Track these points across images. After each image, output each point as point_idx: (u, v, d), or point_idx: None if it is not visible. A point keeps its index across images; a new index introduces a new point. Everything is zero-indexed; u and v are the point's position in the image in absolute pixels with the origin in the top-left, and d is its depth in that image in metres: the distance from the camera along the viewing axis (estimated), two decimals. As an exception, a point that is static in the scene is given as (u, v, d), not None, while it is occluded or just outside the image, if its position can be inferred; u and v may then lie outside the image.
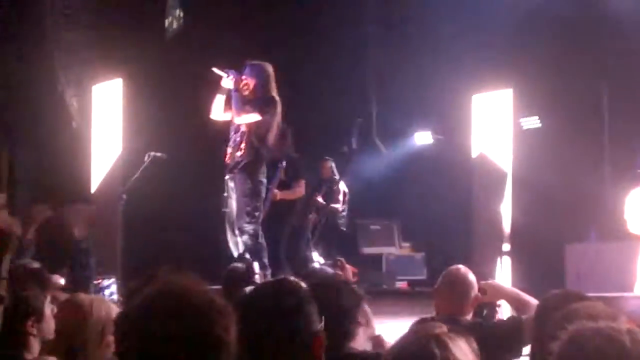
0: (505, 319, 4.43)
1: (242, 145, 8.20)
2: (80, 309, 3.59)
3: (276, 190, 9.14)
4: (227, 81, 8.15)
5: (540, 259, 9.15)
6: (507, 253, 9.41)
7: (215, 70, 8.18)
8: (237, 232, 8.24)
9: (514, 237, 9.46)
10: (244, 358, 2.46)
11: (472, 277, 4.48)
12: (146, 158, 9.13)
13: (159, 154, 9.14)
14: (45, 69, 10.50)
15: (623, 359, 1.73)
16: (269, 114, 8.22)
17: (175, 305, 1.79)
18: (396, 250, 11.66)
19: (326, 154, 11.17)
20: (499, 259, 9.34)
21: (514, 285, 9.07)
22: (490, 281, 4.49)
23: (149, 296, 1.86)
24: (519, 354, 4.14)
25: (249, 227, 8.17)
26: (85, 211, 8.30)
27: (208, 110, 8.38)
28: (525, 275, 8.96)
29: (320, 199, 10.95)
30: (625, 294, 7.62)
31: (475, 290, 4.43)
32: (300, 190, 9.37)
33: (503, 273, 9.17)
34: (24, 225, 7.28)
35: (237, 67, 8.36)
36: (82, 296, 3.84)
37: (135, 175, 9.07)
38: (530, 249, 9.37)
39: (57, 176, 10.08)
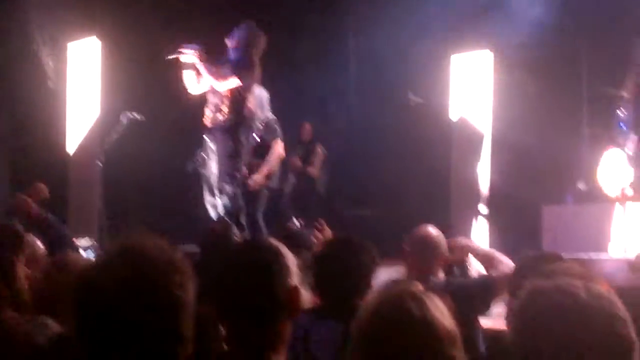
0: (474, 276, 4.46)
1: (224, 108, 8.21)
2: (65, 268, 3.57)
3: (259, 175, 9.06)
4: (188, 57, 8.17)
5: (517, 221, 9.20)
6: (484, 215, 9.45)
7: (169, 57, 8.19)
8: (216, 193, 8.25)
9: (492, 199, 9.51)
10: (222, 316, 2.50)
11: (440, 236, 4.51)
12: (123, 119, 9.07)
13: (136, 115, 9.08)
14: (19, 27, 10.37)
15: (579, 313, 1.74)
16: (248, 77, 8.23)
17: (132, 264, 1.77)
18: (373, 212, 11.69)
19: (305, 118, 11.15)
20: (475, 220, 9.38)
21: (491, 246, 9.15)
22: (459, 239, 4.51)
23: (106, 255, 1.85)
24: (487, 310, 4.19)
25: (229, 188, 8.20)
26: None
27: (184, 89, 8.37)
28: (502, 236, 9.00)
29: (297, 161, 10.94)
30: (600, 256, 7.68)
31: (444, 249, 4.47)
32: (278, 151, 9.34)
33: (480, 235, 9.22)
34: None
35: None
36: (68, 255, 3.83)
37: (113, 137, 9.02)
38: (507, 210, 9.42)
39: (33, 137, 9.99)
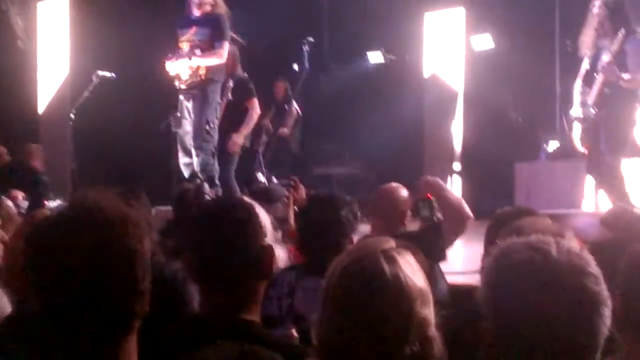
0: (427, 226, 4.48)
1: (202, 71, 8.18)
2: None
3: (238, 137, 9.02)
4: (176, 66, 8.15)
5: (491, 178, 9.24)
6: (457, 172, 9.49)
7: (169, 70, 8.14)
8: (193, 151, 8.22)
9: (465, 157, 9.54)
10: (195, 274, 2.48)
11: (404, 192, 4.57)
12: (94, 78, 8.98)
13: (107, 74, 8.99)
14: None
15: (550, 269, 1.73)
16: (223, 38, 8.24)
17: (87, 218, 1.73)
18: (347, 170, 11.70)
19: (278, 75, 11.09)
20: (449, 178, 9.42)
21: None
22: (427, 178, 4.53)
23: (61, 210, 1.82)
24: (444, 258, 4.23)
25: (205, 146, 8.18)
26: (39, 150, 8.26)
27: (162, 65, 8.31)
28: (476, 193, 9.04)
29: (268, 121, 10.90)
30: (572, 211, 7.74)
31: (406, 207, 4.54)
32: (254, 111, 9.30)
33: (454, 191, 9.26)
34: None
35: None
36: (40, 212, 3.80)
37: (84, 96, 8.94)
38: (480, 167, 9.46)
39: (3, 97, 9.88)
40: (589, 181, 8.33)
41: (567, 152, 9.10)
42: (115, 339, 1.76)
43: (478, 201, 8.96)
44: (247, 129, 9.06)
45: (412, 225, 4.62)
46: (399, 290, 1.84)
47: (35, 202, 7.38)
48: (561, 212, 7.23)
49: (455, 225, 4.36)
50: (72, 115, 8.97)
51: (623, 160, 6.99)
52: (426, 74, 10.12)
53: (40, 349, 1.85)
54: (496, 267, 1.81)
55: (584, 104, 7.03)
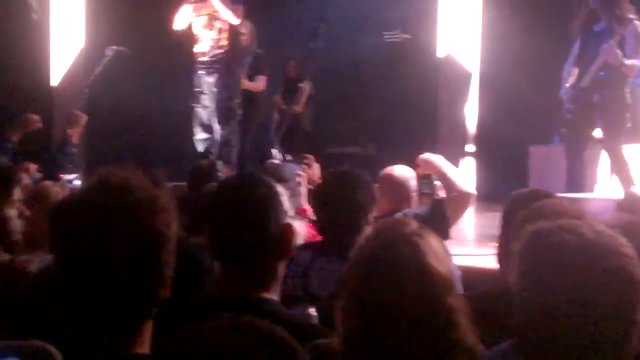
0: (429, 204, 4.44)
1: (223, 42, 8.14)
2: (47, 198, 3.55)
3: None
4: None
5: (504, 160, 9.20)
6: (471, 154, 9.46)
7: None
8: (214, 127, 8.19)
9: (479, 138, 9.50)
10: (215, 252, 2.46)
11: (408, 173, 4.53)
12: (108, 52, 8.96)
13: (121, 48, 8.97)
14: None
15: (587, 251, 1.72)
16: (240, 9, 8.22)
17: (115, 199, 1.70)
18: (360, 149, 11.67)
19: (291, 54, 11.05)
20: (462, 159, 9.39)
21: (478, 185, 9.17)
22: (424, 155, 4.48)
23: (87, 189, 1.78)
24: (448, 236, 4.19)
25: (230, 121, 8.19)
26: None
27: (171, 22, 8.26)
28: (489, 176, 9.02)
29: (279, 99, 10.88)
30: (586, 195, 7.70)
31: (411, 188, 4.50)
32: (260, 84, 9.30)
33: (467, 173, 9.24)
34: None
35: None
36: (48, 184, 3.80)
37: (98, 70, 8.92)
38: (494, 150, 9.41)
39: (16, 70, 9.86)
40: (602, 165, 8.30)
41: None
42: (134, 325, 1.74)
43: (492, 183, 8.96)
44: (250, 86, 9.02)
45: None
46: (421, 278, 1.80)
47: (48, 174, 7.38)
48: (575, 196, 7.20)
49: (458, 202, 4.31)
50: (85, 90, 8.95)
51: (623, 145, 7.01)
52: (440, 54, 10.07)
53: (57, 328, 1.83)
54: (530, 252, 1.80)
55: (574, 86, 7.04)
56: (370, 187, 3.60)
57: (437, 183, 4.50)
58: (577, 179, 7.08)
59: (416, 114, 10.45)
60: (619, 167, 7.06)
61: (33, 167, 6.96)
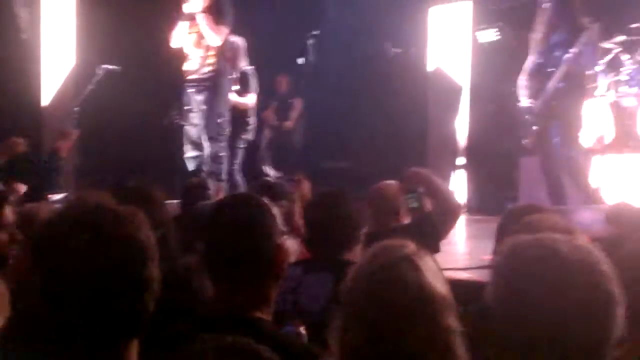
0: (418, 218, 4.46)
1: (210, 60, 8.18)
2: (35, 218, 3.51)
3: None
4: (192, 5, 8.09)
5: (495, 173, 9.22)
6: (462, 166, 9.47)
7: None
8: (203, 144, 8.21)
9: (470, 151, 9.52)
10: (207, 270, 2.47)
11: (395, 188, 4.55)
12: (99, 71, 8.97)
13: (112, 67, 8.98)
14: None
15: (561, 267, 1.71)
16: (226, 27, 8.24)
17: (94, 240, 1.69)
18: (351, 164, 11.68)
19: (282, 69, 11.07)
20: (454, 172, 9.41)
21: (469, 198, 9.19)
22: (412, 169, 4.49)
23: (67, 211, 1.79)
24: (437, 250, 4.19)
25: (218, 138, 8.20)
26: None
27: (165, 40, 8.30)
28: (480, 188, 9.04)
29: (271, 114, 10.89)
30: (578, 206, 7.72)
31: (400, 203, 4.52)
32: (249, 100, 9.32)
33: (458, 186, 9.25)
34: None
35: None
36: (36, 206, 3.76)
37: (88, 89, 8.92)
38: (485, 162, 9.43)
39: (6, 89, 9.85)
40: (595, 176, 8.33)
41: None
42: (118, 342, 1.74)
43: (482, 195, 8.99)
44: (238, 104, 9.02)
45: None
46: (423, 299, 1.83)
47: (35, 194, 7.36)
48: (566, 208, 7.21)
49: (446, 216, 4.33)
50: (76, 109, 8.95)
51: (580, 154, 7.03)
52: (430, 67, 10.10)
53: (40, 351, 1.83)
54: (506, 265, 1.79)
55: (534, 98, 7.06)
56: (359, 204, 3.62)
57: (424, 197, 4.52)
58: (557, 190, 7.06)
59: (407, 128, 10.47)
60: (576, 175, 7.06)
61: (22, 187, 6.93)
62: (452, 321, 1.85)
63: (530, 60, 7.27)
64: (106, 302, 1.69)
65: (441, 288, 1.86)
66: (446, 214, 4.30)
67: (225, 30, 8.21)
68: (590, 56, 6.88)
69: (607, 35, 8.97)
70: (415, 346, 1.80)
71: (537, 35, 7.23)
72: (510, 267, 1.78)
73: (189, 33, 8.29)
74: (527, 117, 7.18)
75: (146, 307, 1.74)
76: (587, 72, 6.86)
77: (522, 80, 7.25)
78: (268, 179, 9.60)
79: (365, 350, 1.81)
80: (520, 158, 9.05)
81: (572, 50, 6.79)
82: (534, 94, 7.04)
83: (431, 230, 4.18)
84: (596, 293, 1.70)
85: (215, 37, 8.16)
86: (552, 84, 6.91)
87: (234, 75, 8.99)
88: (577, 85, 6.85)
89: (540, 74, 7.01)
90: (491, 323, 1.76)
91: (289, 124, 11.00)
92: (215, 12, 8.18)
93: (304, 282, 3.37)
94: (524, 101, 7.14)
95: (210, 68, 8.21)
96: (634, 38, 8.78)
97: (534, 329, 1.69)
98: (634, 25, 8.76)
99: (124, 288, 1.70)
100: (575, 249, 1.75)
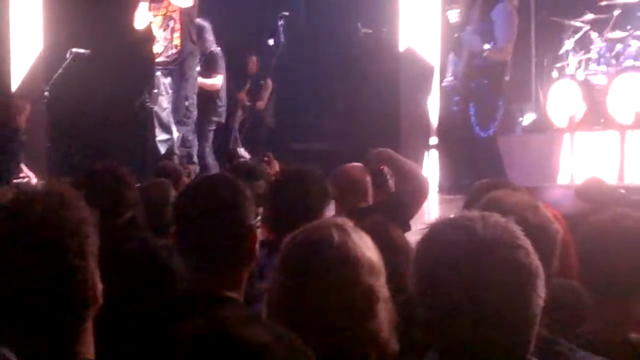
0: (386, 197, 4.46)
1: (176, 41, 8.14)
2: None
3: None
4: None
5: (467, 152, 9.25)
6: (434, 146, 9.51)
7: None
8: (172, 128, 8.19)
9: (441, 131, 9.55)
10: (181, 251, 2.48)
11: (361, 170, 4.55)
12: (68, 55, 8.90)
13: (81, 50, 8.91)
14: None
15: (477, 247, 1.70)
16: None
17: (23, 229, 1.71)
18: (323, 145, 11.69)
19: (253, 50, 11.04)
20: (427, 152, 9.44)
21: (441, 177, 9.23)
22: (375, 149, 4.46)
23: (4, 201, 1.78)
24: (408, 228, 4.20)
25: (185, 121, 8.18)
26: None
27: (132, 22, 8.25)
28: (452, 168, 9.07)
29: (243, 95, 10.87)
30: (549, 184, 7.79)
31: (366, 186, 4.52)
32: (217, 82, 9.29)
33: (431, 166, 9.28)
34: None
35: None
36: None
37: (58, 73, 8.86)
38: (457, 141, 9.46)
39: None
40: (565, 154, 8.40)
41: (542, 125, 9.16)
42: (67, 330, 1.74)
43: (455, 175, 9.02)
44: (203, 85, 8.98)
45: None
46: (345, 256, 1.87)
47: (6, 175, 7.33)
48: (537, 185, 7.28)
49: (414, 193, 4.31)
50: (46, 93, 8.89)
51: (496, 135, 6.81)
52: (402, 47, 10.11)
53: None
54: (423, 252, 1.78)
55: (455, 76, 6.84)
56: (324, 183, 3.57)
57: (388, 177, 4.53)
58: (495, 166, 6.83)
59: (379, 108, 10.48)
60: (489, 157, 6.89)
61: None
62: (378, 286, 1.87)
63: (455, 37, 7.08)
64: (31, 288, 1.70)
65: (369, 253, 1.90)
66: (414, 191, 4.29)
67: None
68: (502, 34, 6.54)
69: (577, 13, 9.03)
70: (336, 304, 1.83)
71: (460, 10, 7.03)
72: (426, 253, 1.77)
73: (155, 15, 8.25)
74: (453, 97, 7.01)
75: (77, 292, 1.74)
76: (500, 52, 6.47)
77: (450, 57, 7.04)
78: (243, 159, 9.60)
79: (287, 306, 1.86)
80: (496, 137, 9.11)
81: (468, 27, 6.55)
82: (456, 73, 6.83)
83: (400, 208, 4.17)
84: (514, 269, 1.69)
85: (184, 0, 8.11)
86: (461, 64, 6.72)
87: (200, 57, 8.97)
88: (494, 63, 6.59)
89: (461, 52, 6.82)
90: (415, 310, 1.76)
91: (260, 104, 10.99)
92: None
93: (268, 263, 3.27)
94: (446, 80, 6.94)
95: (175, 50, 8.17)
96: (603, 16, 8.84)
97: (457, 314, 1.68)
98: (603, 3, 8.82)
99: (46, 273, 1.71)
100: (491, 226, 1.74)
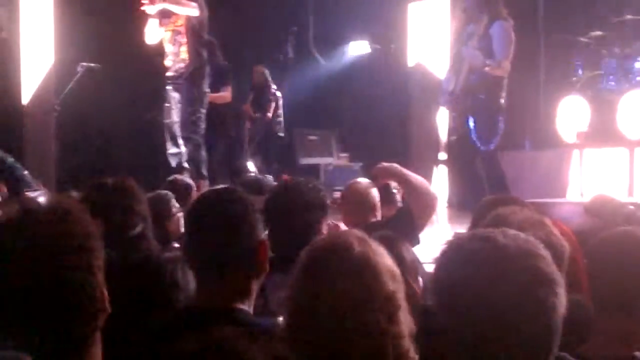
0: (396, 212, 4.47)
1: (183, 55, 8.18)
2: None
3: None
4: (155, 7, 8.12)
5: (468, 167, 9.25)
6: (443, 162, 9.50)
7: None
8: (180, 142, 8.21)
9: (451, 146, 9.54)
10: (191, 264, 2.49)
11: (370, 187, 4.57)
12: (79, 69, 8.95)
13: (92, 65, 8.96)
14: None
15: (499, 255, 1.72)
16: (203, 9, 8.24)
17: (27, 243, 1.73)
18: (334, 160, 11.70)
19: (261, 64, 11.08)
20: (436, 167, 9.44)
21: (450, 192, 9.23)
22: (381, 164, 4.45)
23: (11, 215, 1.79)
24: (418, 242, 4.19)
25: (194, 137, 8.19)
26: None
27: (142, 37, 8.30)
28: (461, 183, 9.06)
29: (248, 107, 10.88)
30: (558, 200, 7.78)
31: (374, 201, 4.55)
32: (224, 95, 9.33)
33: (440, 181, 9.28)
34: None
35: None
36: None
37: (69, 87, 8.91)
38: (466, 157, 9.46)
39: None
40: (574, 170, 8.39)
41: (551, 141, 9.15)
42: (76, 341, 1.76)
43: (464, 190, 9.01)
44: (214, 99, 9.01)
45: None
46: (366, 261, 1.88)
47: (15, 191, 7.35)
48: (546, 201, 7.27)
49: (423, 207, 4.26)
50: (56, 107, 8.93)
51: (497, 150, 6.81)
52: (411, 63, 10.14)
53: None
54: (445, 261, 1.79)
55: (451, 93, 6.84)
56: (321, 195, 3.49)
57: (396, 191, 4.54)
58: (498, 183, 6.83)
59: (388, 124, 10.50)
60: (492, 172, 6.88)
61: (1, 186, 6.92)
62: (398, 290, 1.87)
63: (451, 52, 7.08)
64: (40, 303, 1.71)
65: (390, 263, 1.91)
66: (422, 205, 4.27)
67: (193, 3, 8.20)
68: (501, 50, 6.55)
69: (586, 30, 9.04)
70: (354, 310, 1.82)
71: (454, 23, 7.03)
72: (449, 263, 1.78)
73: (165, 30, 8.30)
74: (451, 113, 7.01)
75: (86, 306, 1.76)
76: (500, 68, 6.49)
77: (447, 74, 7.06)
78: (252, 174, 9.61)
79: (307, 314, 1.85)
80: (500, 152, 9.11)
81: (470, 43, 6.57)
82: (454, 89, 6.83)
83: (409, 223, 4.16)
84: (536, 276, 1.70)
85: (189, 9, 8.15)
86: (461, 79, 6.72)
87: (208, 71, 9.00)
88: (491, 79, 6.60)
89: (458, 67, 6.82)
90: (435, 321, 1.76)
91: (268, 115, 11.00)
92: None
93: (269, 283, 3.09)
94: (446, 96, 6.93)
95: (183, 64, 8.21)
96: (612, 33, 8.85)
97: (479, 320, 1.69)
98: (612, 20, 8.83)
99: (54, 288, 1.72)
100: (511, 238, 1.76)
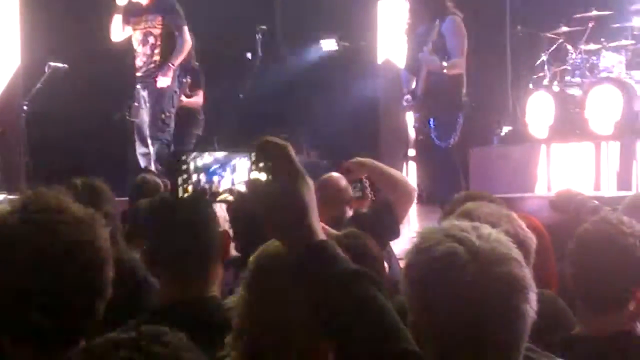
0: (376, 204, 4.49)
1: (156, 57, 8.16)
2: None
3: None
4: None
5: (429, 163, 9.29)
6: (412, 158, 9.55)
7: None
8: (149, 141, 8.19)
9: (419, 142, 9.59)
10: (154, 264, 2.52)
11: (342, 182, 4.60)
12: (46, 69, 8.89)
13: (60, 65, 8.91)
14: None
15: (475, 260, 1.69)
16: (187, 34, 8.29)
17: (53, 219, 1.76)
18: (303, 158, 11.70)
19: (229, 63, 11.04)
20: (404, 164, 9.48)
21: (420, 189, 9.27)
22: (354, 159, 4.45)
23: (11, 210, 1.80)
24: (398, 234, 4.21)
25: (162, 136, 8.17)
26: None
27: (108, 33, 8.28)
28: (428, 179, 9.10)
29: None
30: (526, 194, 7.85)
31: (347, 194, 4.59)
32: (199, 99, 9.31)
33: (409, 177, 9.32)
34: None
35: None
36: None
37: (36, 87, 8.85)
38: (435, 153, 9.51)
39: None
40: (542, 164, 8.46)
41: (519, 136, 9.23)
42: (65, 347, 1.76)
43: (433, 187, 9.05)
44: (188, 103, 8.99)
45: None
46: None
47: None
48: (515, 196, 7.33)
49: (403, 200, 4.29)
50: (24, 107, 8.88)
51: (454, 148, 6.83)
52: (380, 60, 10.18)
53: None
54: (417, 261, 1.75)
55: (413, 93, 6.84)
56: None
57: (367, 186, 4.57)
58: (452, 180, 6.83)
59: (358, 120, 10.52)
60: (445, 168, 6.88)
61: None
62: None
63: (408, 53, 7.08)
64: (58, 306, 1.72)
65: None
66: (402, 197, 4.25)
67: (186, 31, 8.26)
68: (455, 48, 6.56)
69: (552, 25, 9.12)
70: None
71: (407, 26, 7.02)
72: (421, 263, 1.74)
73: (134, 30, 8.27)
74: (413, 114, 7.05)
75: (97, 311, 1.78)
76: (456, 66, 6.52)
77: (403, 74, 7.07)
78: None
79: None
80: (470, 148, 9.18)
81: (425, 48, 6.54)
82: (415, 90, 6.83)
83: (389, 216, 4.18)
84: (512, 282, 1.69)
85: (187, 47, 8.24)
86: (420, 81, 6.71)
87: (187, 79, 8.97)
88: (450, 79, 6.60)
89: (414, 68, 6.81)
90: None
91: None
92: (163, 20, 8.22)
93: (236, 284, 3.07)
94: (405, 100, 6.93)
95: (153, 65, 8.19)
96: (577, 28, 8.94)
97: (451, 324, 1.68)
98: (577, 16, 8.92)
99: (78, 293, 1.74)
100: (485, 239, 1.73)
